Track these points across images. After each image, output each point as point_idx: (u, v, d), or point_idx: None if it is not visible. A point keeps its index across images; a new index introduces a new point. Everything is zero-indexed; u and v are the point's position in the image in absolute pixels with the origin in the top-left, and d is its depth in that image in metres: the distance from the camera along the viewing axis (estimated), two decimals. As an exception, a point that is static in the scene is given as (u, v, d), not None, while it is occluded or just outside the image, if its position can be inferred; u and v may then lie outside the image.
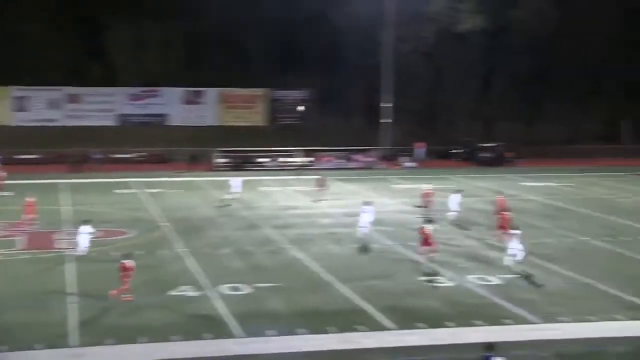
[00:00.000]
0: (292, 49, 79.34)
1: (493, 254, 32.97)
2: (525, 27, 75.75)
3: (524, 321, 23.89)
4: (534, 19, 75.57)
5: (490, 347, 17.73)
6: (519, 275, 28.99)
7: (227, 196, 45.73)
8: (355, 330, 22.95)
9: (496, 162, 69.03)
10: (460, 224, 39.61)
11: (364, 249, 34.03)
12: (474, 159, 70.66)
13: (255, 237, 36.42)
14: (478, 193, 51.03)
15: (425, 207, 42.02)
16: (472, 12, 75.21)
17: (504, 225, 34.23)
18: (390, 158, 70.59)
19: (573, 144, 79.20)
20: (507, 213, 35.76)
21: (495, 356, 17.48)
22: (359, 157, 67.43)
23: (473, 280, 28.63)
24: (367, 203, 36.72)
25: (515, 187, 53.70)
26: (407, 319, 24.00)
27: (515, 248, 29.40)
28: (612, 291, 27.11)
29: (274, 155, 65.96)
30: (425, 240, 30.48)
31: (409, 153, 71.30)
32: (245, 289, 27.26)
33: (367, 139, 72.05)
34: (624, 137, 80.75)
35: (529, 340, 22.04)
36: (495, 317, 24.12)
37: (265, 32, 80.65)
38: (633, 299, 26.13)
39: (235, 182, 46.21)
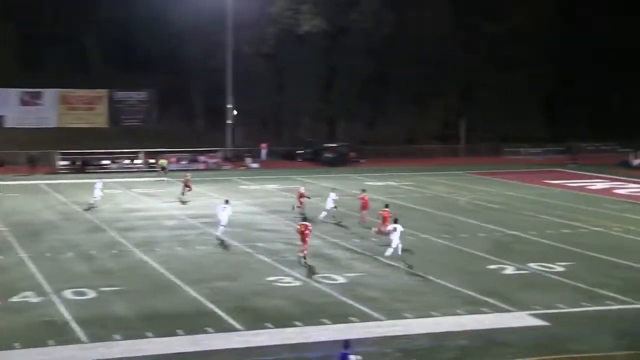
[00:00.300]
0: (133, 50, 77.75)
1: (338, 253, 33.46)
2: (363, 29, 77.39)
3: (369, 318, 24.31)
4: (371, 21, 77.34)
5: (347, 344, 17.98)
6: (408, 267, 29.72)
7: (93, 200, 44.98)
8: (204, 332, 22.73)
9: (340, 162, 70.16)
10: (328, 222, 40.04)
11: (223, 245, 34.67)
12: (318, 159, 71.57)
13: (99, 241, 35.53)
14: (323, 193, 51.57)
15: (299, 207, 42.36)
16: (312, 14, 76.13)
17: (384, 221, 35.28)
18: (235, 159, 70.52)
19: (413, 144, 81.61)
20: (387, 210, 36.59)
21: (352, 354, 17.73)
22: (204, 158, 66.95)
23: (319, 279, 28.92)
24: (226, 201, 37.28)
25: (359, 187, 54.64)
26: (255, 319, 23.98)
27: (394, 239, 31.25)
28: (453, 286, 28.01)
29: (116, 158, 64.64)
30: (303, 238, 31.29)
31: (254, 154, 71.49)
32: (90, 294, 26.54)
33: (211, 140, 71.67)
34: (461, 137, 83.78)
35: (374, 337, 22.43)
36: (342, 315, 24.44)
37: (105, 32, 78.72)
38: (472, 293, 27.08)
39: (99, 184, 45.63)
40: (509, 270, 30.67)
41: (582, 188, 55.69)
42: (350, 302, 26.02)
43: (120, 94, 79.41)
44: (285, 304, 25.79)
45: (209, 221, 40.31)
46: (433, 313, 24.79)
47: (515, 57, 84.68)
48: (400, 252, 31.58)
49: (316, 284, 28.26)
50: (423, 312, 24.85)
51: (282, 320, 23.85)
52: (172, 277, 29.05)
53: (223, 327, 23.28)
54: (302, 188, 44.21)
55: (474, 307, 25.50)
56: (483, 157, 78.04)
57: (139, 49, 76.61)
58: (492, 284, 28.51)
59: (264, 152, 73.33)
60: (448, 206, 46.92)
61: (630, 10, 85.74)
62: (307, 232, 31.40)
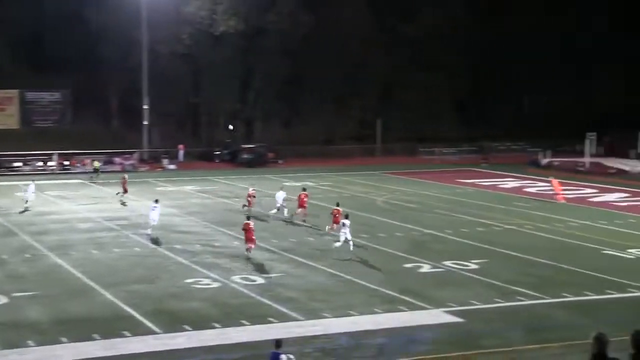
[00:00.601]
0: (46, 49, 76.02)
1: (256, 253, 33.41)
2: (280, 30, 77.49)
3: (288, 318, 24.41)
4: (288, 22, 77.51)
5: (278, 343, 18.01)
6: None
7: (26, 203, 44.46)
8: (120, 336, 22.47)
9: (258, 162, 70.11)
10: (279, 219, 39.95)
11: (156, 241, 35.64)
12: (236, 160, 71.38)
13: (11, 245, 34.77)
14: (242, 194, 51.48)
15: (247, 206, 42.62)
16: (228, 15, 75.86)
17: (336, 218, 36.77)
18: (152, 160, 69.79)
19: (330, 144, 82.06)
20: (337, 208, 37.56)
21: (283, 353, 17.81)
22: (120, 159, 66.06)
23: (238, 280, 28.89)
24: (156, 201, 38.29)
25: (277, 188, 54.70)
26: (173, 322, 23.82)
27: (344, 233, 33.06)
28: (371, 286, 28.31)
29: (29, 160, 63.26)
30: (248, 235, 32.44)
31: (171, 155, 70.89)
32: (1, 299, 25.94)
33: (127, 141, 70.74)
34: (378, 137, 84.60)
35: (293, 337, 22.50)
36: (261, 316, 24.48)
37: (14, 30, 76.68)
38: (389, 292, 27.42)
39: (31, 187, 45.30)
40: (425, 268, 31.16)
41: (494, 187, 56.88)
42: (269, 302, 26.07)
43: (31, 95, 77.57)
44: (204, 305, 25.69)
45: (125, 223, 39.93)
46: (351, 312, 25.02)
47: (432, 59, 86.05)
48: (352, 248, 32.94)
49: (234, 285, 28.21)
50: (342, 312, 25.06)
51: (201, 322, 23.76)
52: (88, 281, 28.63)
53: (140, 331, 23.07)
54: (251, 189, 44.39)
55: (392, 305, 25.83)
56: (399, 157, 78.98)
57: (52, 48, 74.91)
58: (409, 282, 28.93)
59: (181, 153, 72.77)
60: (365, 206, 47.36)
61: (544, 11, 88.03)
62: (250, 229, 32.51)
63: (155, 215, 37.17)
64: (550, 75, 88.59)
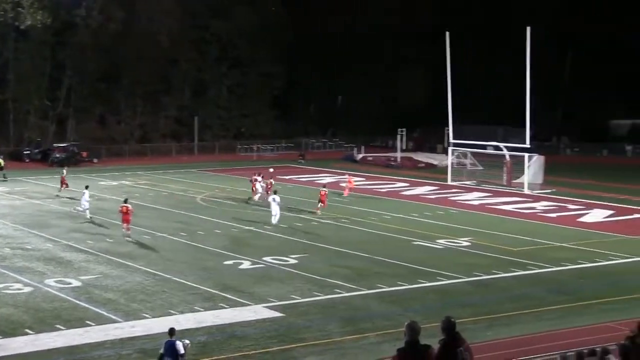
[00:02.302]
0: None
1: (72, 255, 32.57)
2: (90, 25, 75.45)
3: (107, 321, 23.87)
4: (99, 17, 75.62)
5: (171, 331, 18.07)
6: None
7: None
8: None
9: (71, 161, 68.04)
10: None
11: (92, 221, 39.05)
12: (47, 159, 68.96)
13: None
14: (55, 194, 49.89)
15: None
16: (34, 9, 72.95)
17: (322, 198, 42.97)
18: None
19: (147, 142, 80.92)
20: (324, 190, 44.11)
21: (179, 340, 17.85)
22: None
23: (52, 284, 27.99)
24: (86, 187, 42.44)
25: (93, 188, 53.37)
26: (-18, 330, 22.78)
27: (274, 210, 39.43)
28: (191, 284, 28.20)
29: None
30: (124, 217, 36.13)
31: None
32: None
33: None
34: (195, 134, 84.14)
35: (111, 340, 22.08)
36: (78, 319, 23.82)
37: None
38: (210, 289, 27.43)
39: None
40: (246, 265, 31.35)
41: (311, 182, 57.92)
42: (86, 305, 25.43)
43: None
44: (15, 311, 24.68)
45: None
46: (172, 311, 24.82)
47: (247, 57, 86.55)
48: (275, 222, 39.05)
49: (48, 289, 27.30)
50: (162, 311, 24.82)
51: (12, 329, 22.83)
52: None
53: (-52, 340, 21.90)
54: (257, 176, 48.58)
55: (212, 303, 25.84)
56: (218, 155, 78.98)
57: None
58: (229, 279, 29.03)
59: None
60: (184, 204, 47.05)
61: (358, 12, 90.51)
62: (128, 212, 36.14)
63: (84, 200, 39.32)
64: (363, 74, 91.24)
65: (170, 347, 17.76)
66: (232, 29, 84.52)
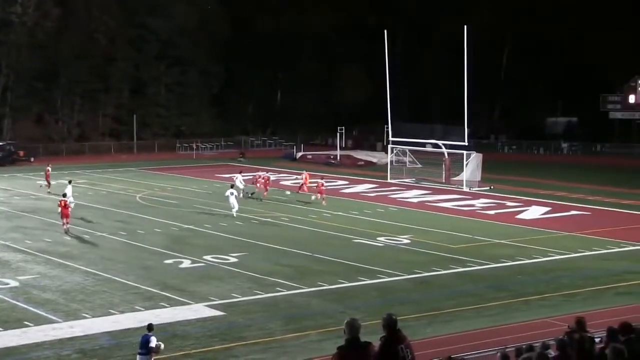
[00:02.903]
0: None
1: (9, 255, 32.10)
2: (25, 23, 74.20)
3: (46, 321, 23.60)
4: (34, 14, 74.44)
5: (149, 327, 18.94)
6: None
7: None
8: None
9: (7, 161, 66.98)
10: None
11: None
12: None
13: None
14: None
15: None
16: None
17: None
18: None
19: (85, 141, 79.99)
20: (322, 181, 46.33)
21: (153, 336, 18.72)
22: None
23: (-11, 284, 27.58)
24: (70, 181, 44.68)
25: (31, 187, 52.67)
26: None
27: (233, 204, 41.73)
28: (131, 283, 28.01)
29: None
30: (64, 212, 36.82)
31: None
32: None
33: None
34: (134, 133, 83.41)
35: (50, 340, 21.85)
36: (16, 320, 23.52)
37: None
38: (150, 289, 27.28)
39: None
40: (186, 263, 31.24)
41: (251, 181, 57.72)
42: (24, 305, 25.10)
43: None
44: (-53, 314, 24.24)
45: None
46: (112, 311, 24.65)
47: (185, 55, 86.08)
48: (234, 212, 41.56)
49: (-15, 290, 26.87)
50: (102, 311, 24.62)
51: (-53, 332, 22.42)
52: None
53: None
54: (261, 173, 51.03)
55: (153, 302, 25.71)
56: (157, 153, 78.40)
57: None
58: (170, 278, 28.91)
59: None
60: (123, 203, 46.65)
61: (297, 11, 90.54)
62: (67, 206, 36.97)
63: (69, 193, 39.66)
64: (302, 72, 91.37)
65: (145, 341, 18.67)
66: (170, 27, 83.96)
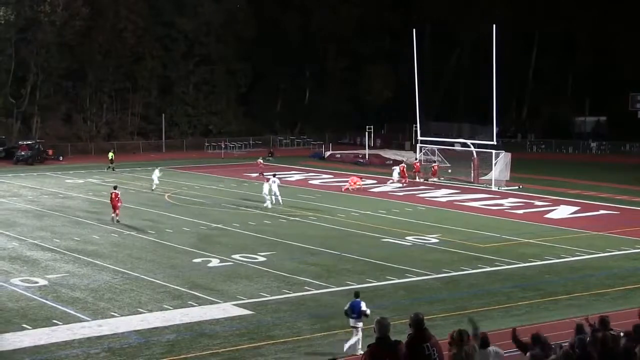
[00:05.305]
0: None
1: (38, 254, 32.29)
2: (54, 22, 74.70)
3: (74, 320, 23.69)
4: (63, 14, 74.91)
5: (357, 294, 20.76)
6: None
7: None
8: None
9: (36, 160, 67.53)
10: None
11: None
12: (12, 157, 68.31)
13: None
14: (20, 193, 49.47)
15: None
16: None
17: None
18: None
19: (114, 140, 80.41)
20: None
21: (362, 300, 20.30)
22: None
23: (18, 283, 27.73)
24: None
25: (59, 185, 53.05)
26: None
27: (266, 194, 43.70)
28: (159, 282, 28.07)
29: None
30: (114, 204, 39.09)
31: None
32: None
33: None
34: (162, 132, 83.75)
35: (79, 339, 21.92)
36: (45, 319, 23.62)
37: None
38: (178, 287, 27.31)
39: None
40: (214, 262, 31.24)
41: (280, 180, 57.76)
42: (52, 304, 25.21)
43: None
44: (-19, 312, 24.42)
45: None
46: (140, 310, 24.69)
47: (213, 54, 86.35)
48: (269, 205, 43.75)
49: (14, 288, 27.04)
50: (130, 310, 24.67)
51: (-24, 330, 22.57)
52: None
53: None
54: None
55: (181, 301, 25.73)
56: (186, 152, 78.68)
57: None
58: (198, 277, 28.92)
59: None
60: (152, 202, 46.81)
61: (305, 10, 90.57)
62: (116, 199, 38.86)
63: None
64: (328, 71, 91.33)
65: (357, 306, 20.22)
66: (197, 26, 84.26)
